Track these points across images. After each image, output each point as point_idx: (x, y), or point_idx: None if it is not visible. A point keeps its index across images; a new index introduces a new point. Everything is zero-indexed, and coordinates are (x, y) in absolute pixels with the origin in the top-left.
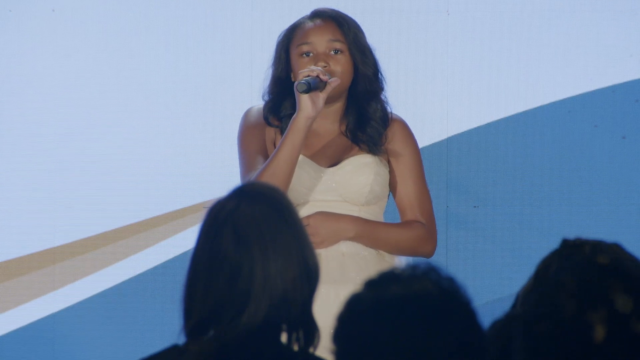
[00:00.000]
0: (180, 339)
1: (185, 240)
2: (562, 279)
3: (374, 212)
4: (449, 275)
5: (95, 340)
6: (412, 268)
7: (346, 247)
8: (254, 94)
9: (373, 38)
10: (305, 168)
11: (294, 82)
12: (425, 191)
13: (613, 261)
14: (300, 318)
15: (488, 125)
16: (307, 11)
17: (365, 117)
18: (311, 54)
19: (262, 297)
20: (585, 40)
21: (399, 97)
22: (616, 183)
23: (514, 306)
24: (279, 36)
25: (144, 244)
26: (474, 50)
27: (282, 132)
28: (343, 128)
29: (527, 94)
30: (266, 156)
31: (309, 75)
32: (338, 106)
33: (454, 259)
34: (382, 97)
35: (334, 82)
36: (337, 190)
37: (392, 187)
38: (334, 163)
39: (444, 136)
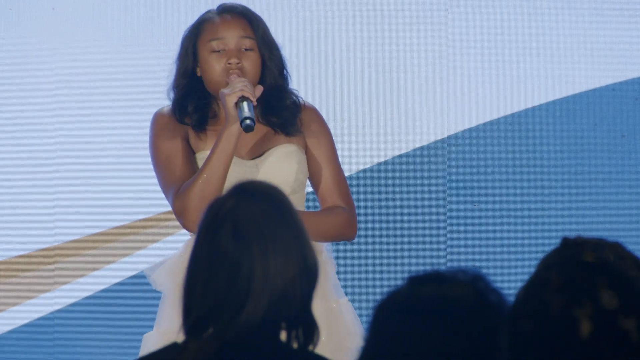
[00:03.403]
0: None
1: (185, 238)
2: (548, 276)
3: (298, 201)
4: (497, 288)
5: (95, 338)
6: (461, 272)
7: None
8: None
9: (373, 37)
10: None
11: (199, 76)
12: (343, 176)
13: (598, 259)
14: (300, 316)
15: (488, 123)
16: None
17: (275, 105)
18: (222, 51)
19: (262, 295)
20: (585, 39)
21: (399, 96)
22: (616, 181)
23: (514, 305)
24: (185, 31)
25: (145, 242)
26: (473, 49)
27: (193, 129)
28: (257, 118)
29: (527, 93)
30: (190, 155)
31: (242, 97)
32: None
33: (453, 257)
34: (289, 90)
35: (258, 92)
36: None
37: (311, 173)
38: (256, 155)
39: (444, 134)
